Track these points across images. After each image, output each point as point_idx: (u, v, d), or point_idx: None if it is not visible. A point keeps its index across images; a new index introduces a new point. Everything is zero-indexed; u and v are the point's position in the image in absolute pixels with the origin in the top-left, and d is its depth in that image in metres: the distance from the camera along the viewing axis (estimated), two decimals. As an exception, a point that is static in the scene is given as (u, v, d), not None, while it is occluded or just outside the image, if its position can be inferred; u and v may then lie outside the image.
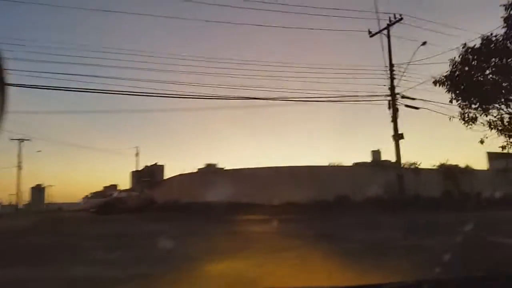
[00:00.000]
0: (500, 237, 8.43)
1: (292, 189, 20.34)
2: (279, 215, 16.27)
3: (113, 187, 67.11)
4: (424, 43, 19.13)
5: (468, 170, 24.67)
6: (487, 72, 9.37)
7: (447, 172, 23.94)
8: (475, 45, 9.53)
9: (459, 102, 10.05)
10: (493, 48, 9.04)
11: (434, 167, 24.13)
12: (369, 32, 21.48)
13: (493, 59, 9.17)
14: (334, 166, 22.07)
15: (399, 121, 20.44)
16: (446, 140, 50.56)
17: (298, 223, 13.11)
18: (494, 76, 9.18)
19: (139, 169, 52.10)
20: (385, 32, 21.06)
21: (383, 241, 8.18)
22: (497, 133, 9.89)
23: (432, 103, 20.94)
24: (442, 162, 24.18)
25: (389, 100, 20.56)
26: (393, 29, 21.10)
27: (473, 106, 9.84)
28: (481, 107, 9.71)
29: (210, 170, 25.01)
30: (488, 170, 26.33)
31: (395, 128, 20.44)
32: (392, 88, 20.61)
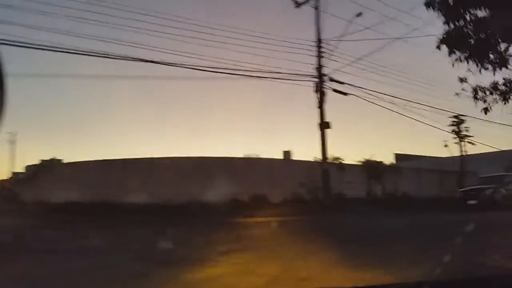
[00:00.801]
0: (494, 258, 5.30)
1: (198, 186, 16.37)
2: (186, 219, 12.24)
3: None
4: (359, 14, 16.34)
5: (393, 167, 22.77)
6: None
7: (372, 169, 21.68)
8: None
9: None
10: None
11: (359, 163, 21.72)
12: (295, 1, 18.25)
13: None
14: (250, 158, 18.47)
15: (326, 107, 17.53)
16: (374, 132, 47.46)
17: (214, 232, 9.17)
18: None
19: (33, 162, 43.98)
20: (312, 2, 18.00)
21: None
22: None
23: (364, 89, 18.45)
24: (367, 157, 21.86)
25: (316, 82, 17.53)
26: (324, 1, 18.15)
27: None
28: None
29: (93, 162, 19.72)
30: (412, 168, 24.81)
31: (321, 116, 17.46)
32: (319, 68, 17.60)
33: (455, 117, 23.32)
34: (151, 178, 17.09)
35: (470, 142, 23.73)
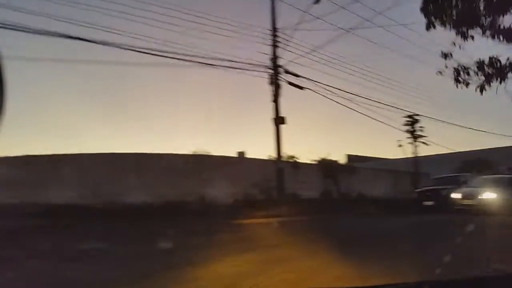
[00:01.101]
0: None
1: (137, 185, 14.56)
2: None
3: None
4: (317, 1, 15.23)
5: (348, 167, 22.00)
6: None
7: (327, 168, 20.73)
8: None
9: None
10: None
11: (314, 162, 20.66)
12: (250, -14, 16.86)
13: None
14: (197, 155, 16.81)
15: (281, 102, 16.31)
16: (329, 130, 44.78)
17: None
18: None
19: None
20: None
21: None
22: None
23: (320, 84, 17.44)
24: (322, 156, 20.83)
25: (270, 74, 16.27)
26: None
27: None
28: None
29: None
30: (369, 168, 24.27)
31: (276, 110, 16.23)
32: (274, 58, 16.35)
33: (410, 116, 23.05)
34: (82, 176, 15.01)
35: (424, 143, 23.52)
